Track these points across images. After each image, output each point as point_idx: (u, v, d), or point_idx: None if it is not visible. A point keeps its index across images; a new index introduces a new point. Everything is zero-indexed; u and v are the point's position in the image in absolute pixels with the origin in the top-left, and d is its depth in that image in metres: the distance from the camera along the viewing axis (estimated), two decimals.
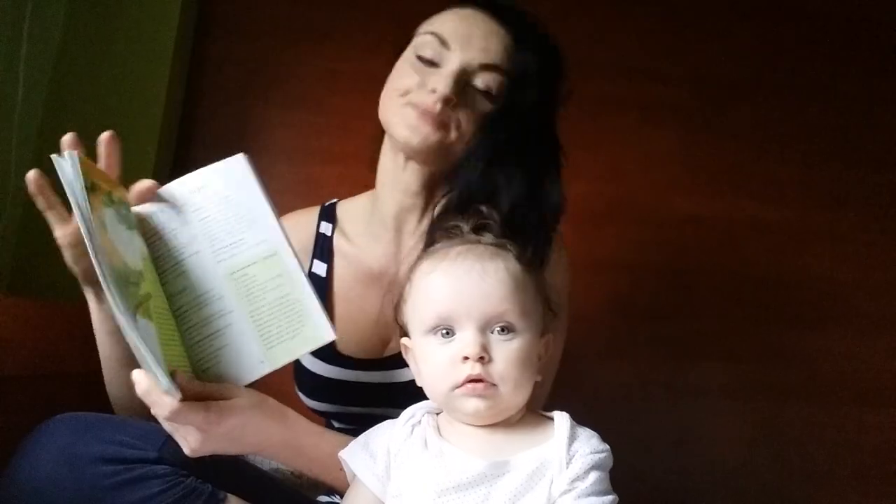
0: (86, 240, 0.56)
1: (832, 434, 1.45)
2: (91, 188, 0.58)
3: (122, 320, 0.55)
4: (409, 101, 0.79)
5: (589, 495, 0.61)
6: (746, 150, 1.53)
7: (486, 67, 0.80)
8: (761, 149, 1.53)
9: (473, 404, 0.63)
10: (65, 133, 0.65)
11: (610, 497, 0.62)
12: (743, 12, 1.57)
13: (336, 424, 0.93)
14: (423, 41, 0.82)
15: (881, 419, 1.45)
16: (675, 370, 1.44)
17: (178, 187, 0.67)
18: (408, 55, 0.84)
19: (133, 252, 0.62)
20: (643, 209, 1.51)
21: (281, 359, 0.65)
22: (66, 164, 0.58)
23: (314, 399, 0.90)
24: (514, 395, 0.65)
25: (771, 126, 1.54)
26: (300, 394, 0.92)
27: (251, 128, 1.45)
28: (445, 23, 0.83)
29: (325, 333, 0.66)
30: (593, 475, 0.62)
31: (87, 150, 0.64)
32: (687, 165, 1.52)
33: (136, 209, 0.67)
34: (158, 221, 0.67)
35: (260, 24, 1.50)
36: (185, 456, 0.63)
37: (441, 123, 0.78)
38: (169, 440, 0.64)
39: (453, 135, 0.79)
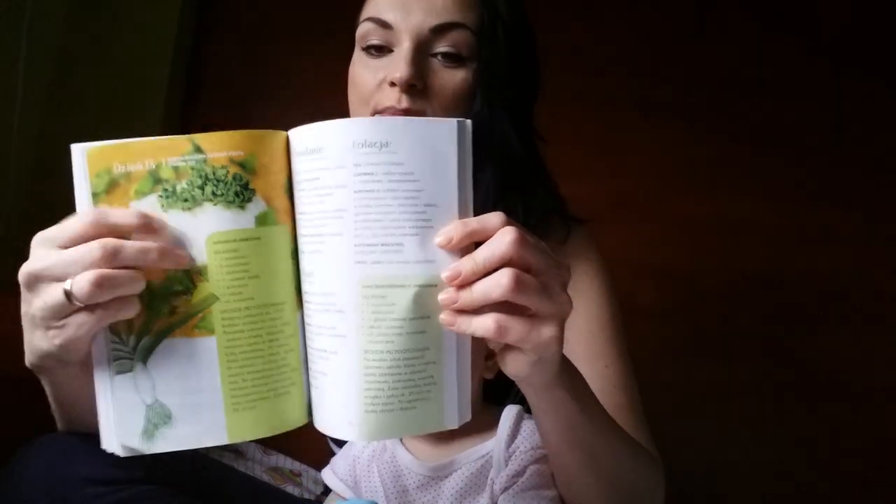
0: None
1: (832, 434, 1.45)
2: (110, 186, 0.46)
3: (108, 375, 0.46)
4: (375, 107, 0.70)
5: (528, 489, 0.60)
6: (746, 150, 1.53)
7: (440, 29, 0.69)
8: (761, 149, 1.53)
9: None
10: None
11: (550, 491, 0.61)
12: (743, 12, 1.57)
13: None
14: (363, 31, 0.72)
15: (881, 419, 1.45)
16: (676, 370, 1.44)
17: (351, 129, 0.46)
18: (356, 55, 0.75)
19: (192, 242, 0.46)
20: (643, 209, 1.51)
21: (375, 431, 0.46)
22: (74, 159, 0.47)
23: None
24: None
25: (771, 126, 1.54)
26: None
27: (251, 128, 1.44)
28: (379, 2, 0.72)
29: (448, 421, 0.48)
30: (531, 469, 0.61)
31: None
32: (687, 165, 1.52)
33: (293, 140, 0.49)
34: (309, 168, 0.47)
35: (260, 24, 1.50)
36: (174, 475, 0.61)
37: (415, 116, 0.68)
38: (157, 460, 0.62)
39: None
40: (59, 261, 0.44)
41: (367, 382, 0.45)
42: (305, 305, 0.49)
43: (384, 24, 0.70)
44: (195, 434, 0.47)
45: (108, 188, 0.46)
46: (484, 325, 0.43)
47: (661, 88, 1.53)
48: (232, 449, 0.92)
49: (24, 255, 0.49)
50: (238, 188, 0.47)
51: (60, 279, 0.44)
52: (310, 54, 1.47)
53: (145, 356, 0.47)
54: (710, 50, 1.55)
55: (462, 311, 0.44)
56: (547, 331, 0.44)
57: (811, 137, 1.53)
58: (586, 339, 0.71)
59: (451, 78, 0.70)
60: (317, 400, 0.49)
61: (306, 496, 0.90)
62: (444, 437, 0.66)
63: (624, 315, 0.77)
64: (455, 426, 0.48)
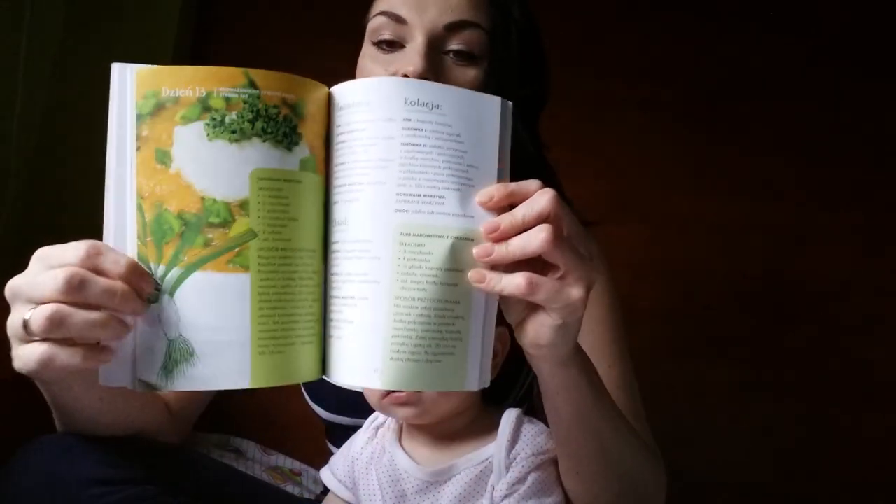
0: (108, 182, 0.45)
1: (832, 434, 1.45)
2: (156, 108, 0.45)
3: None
4: None
5: (529, 498, 0.60)
6: (746, 150, 1.53)
7: (454, 27, 0.69)
8: (761, 149, 1.53)
9: None
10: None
11: (551, 498, 0.61)
12: (743, 12, 1.57)
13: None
14: (375, 25, 0.71)
15: (881, 419, 1.45)
16: (676, 370, 1.44)
17: (403, 87, 0.48)
18: (366, 49, 0.74)
19: (235, 174, 0.45)
20: (643, 209, 1.51)
21: (399, 380, 0.46)
22: (117, 80, 0.46)
23: (338, 413, 0.82)
24: None
25: (771, 126, 1.54)
26: (314, 405, 0.84)
27: None
28: None
29: (469, 382, 0.48)
30: (532, 477, 0.61)
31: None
32: (687, 165, 1.52)
33: (338, 95, 0.50)
34: (355, 119, 0.48)
35: (260, 24, 1.50)
36: (174, 475, 0.60)
37: None
38: (159, 460, 0.59)
39: None
40: (30, 283, 0.43)
41: (396, 329, 0.46)
42: (334, 255, 0.49)
43: (398, 19, 0.69)
44: (216, 375, 0.45)
45: (154, 110, 0.46)
46: (514, 281, 0.44)
47: (660, 89, 1.53)
48: (232, 449, 0.92)
49: (22, 256, 0.48)
50: (287, 129, 0.47)
51: (29, 301, 0.43)
52: (310, 54, 1.47)
53: (174, 288, 0.45)
54: (710, 50, 1.55)
55: (493, 269, 0.45)
56: (576, 291, 0.45)
57: (811, 137, 1.53)
58: (590, 341, 0.71)
59: (463, 76, 0.69)
60: (338, 350, 0.48)
61: (306, 496, 0.90)
62: (444, 440, 0.66)
63: (624, 315, 0.77)
64: (475, 388, 0.48)
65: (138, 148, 0.45)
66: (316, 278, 0.49)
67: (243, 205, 0.45)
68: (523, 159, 0.73)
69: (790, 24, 1.57)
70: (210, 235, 0.45)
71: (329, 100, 0.50)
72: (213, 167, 0.45)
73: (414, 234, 0.46)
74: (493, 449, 0.63)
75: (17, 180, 1.11)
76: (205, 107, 0.46)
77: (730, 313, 1.48)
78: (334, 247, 0.49)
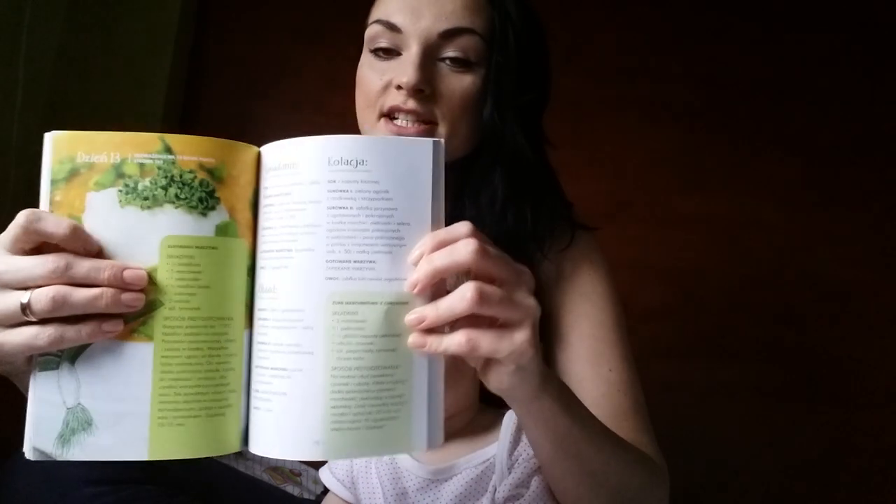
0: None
1: (832, 434, 1.45)
2: (71, 174, 0.45)
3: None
4: (381, 109, 0.69)
5: (534, 502, 0.60)
6: (747, 150, 1.53)
7: (449, 34, 0.68)
8: (762, 149, 1.53)
9: None
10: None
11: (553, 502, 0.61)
12: (743, 12, 1.57)
13: None
14: (371, 33, 0.71)
15: (881, 419, 1.45)
16: (676, 370, 1.44)
17: (325, 146, 0.46)
18: (364, 57, 0.74)
19: (145, 241, 0.45)
20: (643, 209, 1.51)
21: (342, 450, 0.45)
22: (44, 146, 0.46)
23: None
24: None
25: (771, 126, 1.54)
26: None
27: (251, 128, 1.45)
28: (389, 4, 0.71)
29: (416, 444, 0.47)
30: (536, 481, 0.61)
31: None
32: (687, 165, 1.52)
33: (266, 156, 0.48)
34: (281, 183, 0.47)
35: (260, 24, 1.50)
36: (174, 475, 0.61)
37: (423, 122, 0.68)
38: (159, 460, 0.61)
39: (442, 129, 0.69)
40: (12, 268, 0.44)
41: (335, 400, 0.44)
42: (260, 323, 0.47)
43: (393, 28, 0.69)
44: (114, 445, 0.44)
45: (69, 176, 0.45)
46: (454, 341, 0.44)
47: (661, 89, 1.53)
48: None
49: None
50: (203, 194, 0.46)
51: (10, 286, 0.43)
52: (310, 54, 1.47)
53: (74, 356, 0.44)
54: (710, 50, 1.55)
55: (432, 332, 0.45)
56: (518, 336, 0.44)
57: (811, 138, 1.53)
58: (590, 344, 0.71)
59: (459, 83, 0.69)
60: (268, 422, 0.46)
61: (306, 496, 0.90)
62: (445, 442, 0.66)
63: (624, 317, 0.77)
64: (423, 450, 0.46)
65: (64, 201, 0.45)
66: (232, 347, 0.47)
67: (151, 274, 0.45)
68: (522, 163, 0.73)
69: (790, 24, 1.57)
70: None
71: (259, 160, 0.49)
72: (125, 234, 0.45)
73: (347, 302, 0.45)
74: (494, 449, 0.63)
75: (17, 180, 1.11)
76: (119, 173, 0.45)
77: (730, 313, 1.48)
78: (262, 314, 0.47)
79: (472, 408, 0.67)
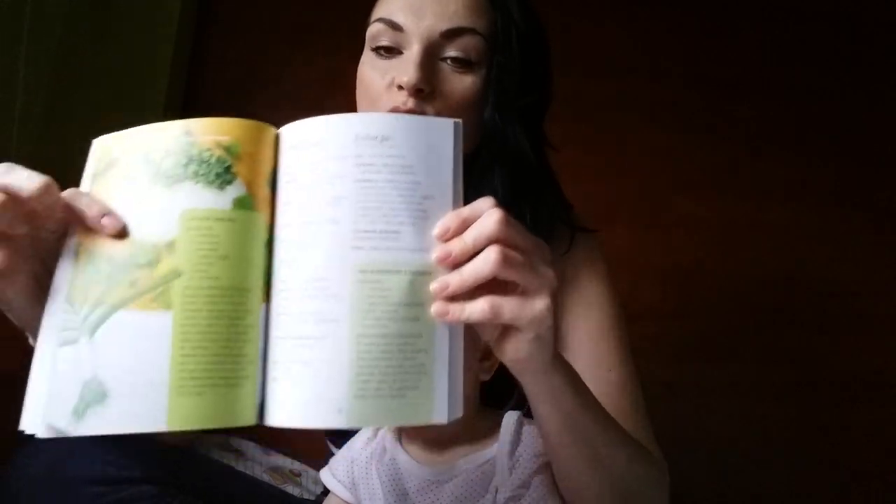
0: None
1: (832, 434, 1.45)
2: (108, 165, 0.49)
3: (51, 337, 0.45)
4: (382, 109, 0.70)
5: (537, 502, 0.60)
6: (746, 150, 1.53)
7: (450, 34, 0.68)
8: (761, 149, 1.53)
9: None
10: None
11: (554, 501, 0.61)
12: (743, 12, 1.57)
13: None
14: (374, 32, 0.71)
15: (881, 419, 1.45)
16: (676, 370, 1.44)
17: (353, 123, 0.48)
18: (365, 55, 0.73)
19: (165, 216, 0.47)
20: (643, 209, 1.51)
21: (367, 417, 0.45)
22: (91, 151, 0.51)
23: None
24: None
25: (771, 126, 1.54)
26: None
27: None
28: (391, 3, 0.71)
29: (437, 414, 0.47)
30: (537, 481, 0.61)
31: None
32: (687, 165, 1.52)
33: (286, 134, 0.50)
34: (305, 159, 0.49)
35: (260, 24, 1.50)
36: (174, 475, 0.61)
37: None
38: (159, 459, 0.60)
39: None
40: None
41: (360, 367, 0.45)
42: (281, 295, 0.47)
43: (395, 26, 0.69)
44: (130, 416, 0.44)
45: (104, 169, 0.49)
46: (477, 308, 0.44)
47: (661, 89, 1.53)
48: (232, 449, 0.92)
49: None
50: (220, 170, 0.48)
51: None
52: (309, 54, 1.47)
53: (94, 328, 0.45)
54: (710, 50, 1.55)
55: (454, 300, 0.45)
56: (539, 303, 0.45)
57: (811, 138, 1.54)
58: (590, 345, 0.71)
59: (460, 83, 0.69)
60: (289, 392, 0.46)
61: (306, 496, 0.90)
62: (445, 443, 0.66)
63: (625, 316, 0.77)
64: (444, 421, 0.46)
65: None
66: (250, 318, 0.47)
67: (171, 245, 0.46)
68: (522, 164, 0.73)
69: (790, 24, 1.57)
70: (137, 275, 0.45)
71: (277, 140, 0.50)
72: (147, 211, 0.47)
73: (372, 271, 0.46)
74: (494, 450, 0.63)
75: None
76: (147, 160, 0.48)
77: (730, 313, 1.48)
78: (284, 286, 0.47)
79: (471, 409, 0.67)
